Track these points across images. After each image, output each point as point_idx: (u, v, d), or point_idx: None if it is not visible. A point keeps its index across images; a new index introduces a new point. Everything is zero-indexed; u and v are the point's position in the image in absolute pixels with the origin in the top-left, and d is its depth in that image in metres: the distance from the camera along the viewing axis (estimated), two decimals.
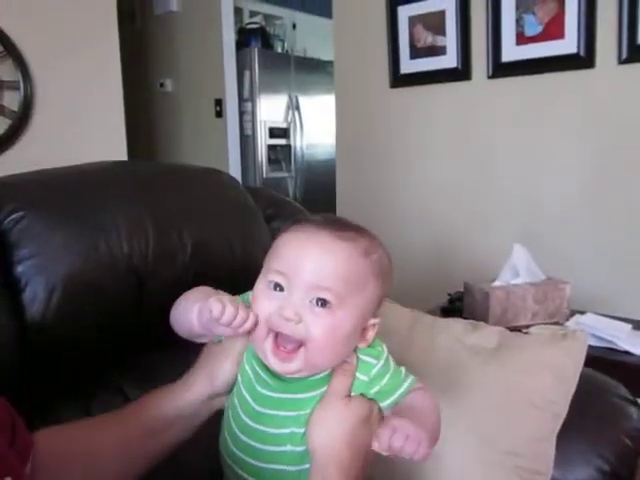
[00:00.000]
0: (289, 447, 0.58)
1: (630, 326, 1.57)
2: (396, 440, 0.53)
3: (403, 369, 0.62)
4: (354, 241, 0.57)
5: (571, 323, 1.59)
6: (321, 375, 0.59)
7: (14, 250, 0.73)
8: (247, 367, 0.62)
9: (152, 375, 0.81)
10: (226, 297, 0.57)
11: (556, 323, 1.55)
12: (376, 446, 0.55)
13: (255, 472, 0.60)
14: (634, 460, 0.91)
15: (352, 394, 0.59)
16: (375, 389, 0.60)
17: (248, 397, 0.61)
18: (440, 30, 2.27)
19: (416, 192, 2.45)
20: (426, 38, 2.32)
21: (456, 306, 1.78)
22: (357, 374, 0.60)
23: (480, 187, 2.27)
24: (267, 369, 0.59)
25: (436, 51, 2.30)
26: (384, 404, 0.61)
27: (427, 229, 2.40)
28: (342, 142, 2.71)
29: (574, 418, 0.85)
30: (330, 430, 0.56)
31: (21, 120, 2.11)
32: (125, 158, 2.37)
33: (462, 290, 1.76)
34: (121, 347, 0.83)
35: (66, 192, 0.82)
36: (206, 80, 3.50)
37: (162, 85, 3.65)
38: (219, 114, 3.51)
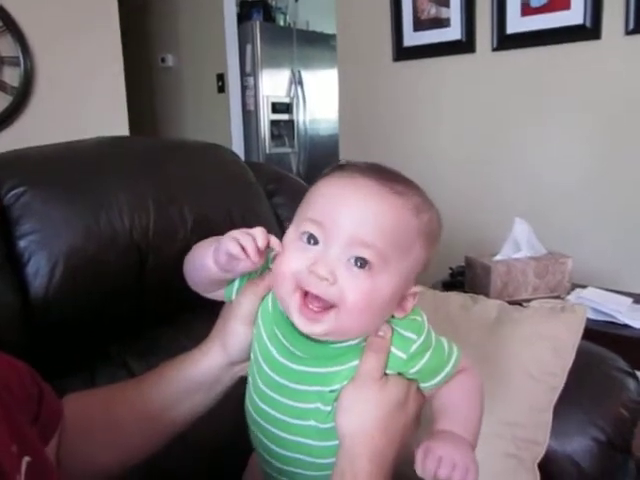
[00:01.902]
0: (313, 422, 0.54)
1: (630, 300, 1.58)
2: (442, 471, 0.48)
3: (446, 343, 0.55)
4: (405, 195, 0.51)
5: (572, 297, 1.60)
6: (350, 343, 0.53)
7: (16, 225, 0.74)
8: (264, 332, 0.56)
9: (155, 349, 0.83)
10: (237, 231, 0.52)
11: (557, 297, 1.56)
12: (419, 471, 0.49)
13: (278, 441, 0.56)
14: (630, 430, 0.92)
15: (388, 373, 0.53)
16: (415, 369, 0.53)
17: (266, 367, 0.55)
18: (444, 1, 2.23)
19: (418, 166, 2.43)
20: (430, 9, 2.28)
21: (457, 280, 1.79)
22: (393, 349, 0.52)
23: (482, 161, 2.26)
24: (289, 332, 0.53)
25: (440, 23, 2.26)
26: (425, 385, 0.55)
27: None
28: (345, 117, 2.69)
29: (572, 389, 0.86)
30: (362, 417, 0.51)
31: (22, 96, 2.10)
32: (127, 134, 2.36)
33: (464, 264, 1.77)
34: (124, 321, 0.84)
35: (67, 167, 0.82)
36: (208, 55, 3.47)
37: (163, 60, 3.61)
38: (221, 89, 3.48)
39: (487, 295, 1.48)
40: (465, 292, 1.17)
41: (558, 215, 2.06)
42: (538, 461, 0.83)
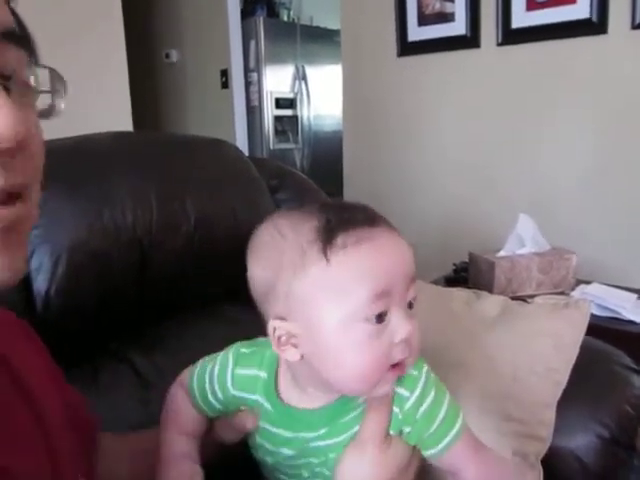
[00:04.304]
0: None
1: (635, 296, 1.57)
2: None
3: (446, 403, 0.52)
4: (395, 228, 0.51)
5: (576, 293, 1.59)
6: (355, 413, 0.52)
7: None
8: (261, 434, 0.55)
9: (157, 344, 0.83)
10: None
11: (561, 293, 1.56)
12: None
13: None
14: (634, 427, 0.92)
15: (391, 433, 0.51)
16: (408, 430, 0.51)
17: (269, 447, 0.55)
18: None
19: (422, 162, 2.43)
20: (434, 4, 2.27)
21: (461, 276, 1.79)
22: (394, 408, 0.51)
23: (487, 157, 2.25)
24: (290, 421, 0.53)
25: (445, 18, 2.25)
26: (429, 452, 0.52)
27: (433, 199, 2.39)
28: (349, 112, 2.68)
29: (576, 385, 0.85)
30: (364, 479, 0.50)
31: None
32: (130, 129, 2.36)
33: (467, 260, 1.76)
34: (126, 316, 0.84)
35: (70, 162, 0.82)
36: (212, 50, 3.46)
37: (167, 56, 3.61)
38: (225, 85, 3.47)
39: (491, 291, 1.48)
40: (469, 288, 1.16)
41: (563, 211, 2.05)
42: (541, 457, 0.83)
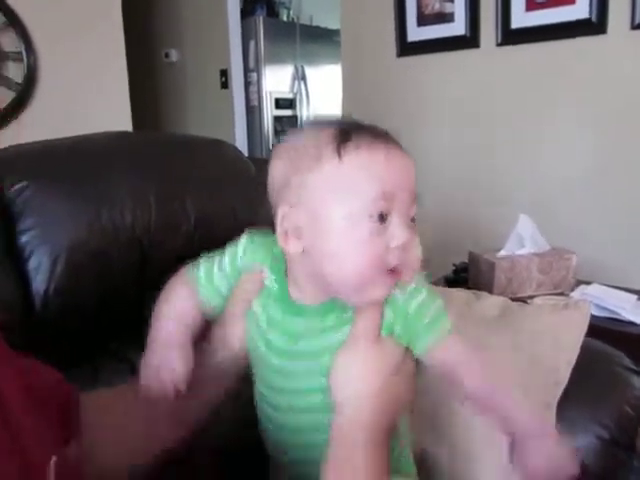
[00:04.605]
0: (320, 397, 0.53)
1: (635, 297, 1.57)
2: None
3: (437, 303, 0.53)
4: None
5: (576, 293, 1.59)
6: (340, 313, 0.53)
7: (18, 220, 0.74)
8: (261, 316, 0.57)
9: None
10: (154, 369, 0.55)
11: (561, 293, 1.56)
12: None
13: (290, 425, 0.57)
14: (634, 428, 0.92)
15: (382, 334, 0.52)
16: (398, 328, 0.52)
17: (266, 353, 0.56)
18: None
19: (422, 162, 2.42)
20: (434, 4, 2.27)
21: (461, 277, 1.78)
22: (385, 309, 0.52)
23: (486, 157, 2.25)
24: (287, 311, 0.55)
25: (444, 18, 2.25)
26: (418, 348, 0.52)
27: (433, 199, 2.38)
28: (349, 113, 2.68)
29: (576, 386, 0.86)
30: (357, 381, 0.50)
31: (25, 92, 2.10)
32: (130, 129, 2.36)
33: (467, 260, 1.76)
34: (125, 316, 0.83)
35: (69, 162, 0.82)
36: (211, 50, 3.46)
37: (167, 55, 3.60)
38: (224, 85, 3.47)
39: (491, 291, 1.48)
40: (469, 288, 1.16)
41: (563, 211, 2.05)
42: None
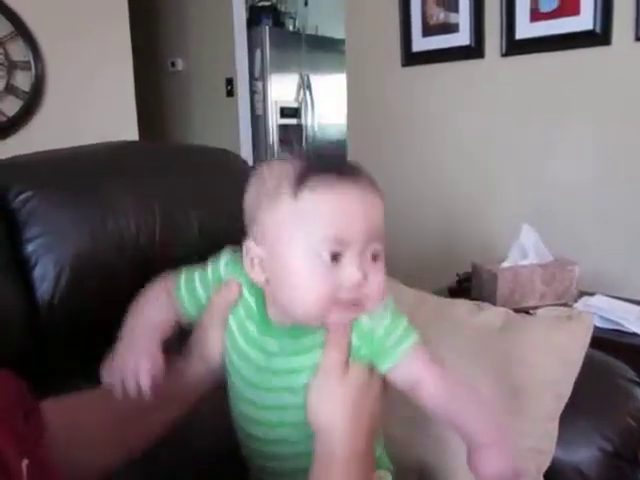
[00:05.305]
0: (293, 412, 0.56)
1: (639, 308, 1.56)
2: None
3: (403, 325, 0.55)
4: (378, 189, 0.55)
5: (579, 304, 1.58)
6: (312, 336, 0.56)
7: (23, 229, 0.74)
8: (236, 331, 0.59)
9: None
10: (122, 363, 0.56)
11: (564, 304, 1.55)
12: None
13: (263, 430, 0.59)
14: (638, 441, 0.91)
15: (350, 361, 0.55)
16: (364, 351, 0.55)
17: (241, 367, 0.59)
18: (453, 6, 2.23)
19: (426, 172, 2.43)
20: (438, 15, 2.28)
21: (464, 287, 1.78)
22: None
23: (490, 167, 2.25)
24: (262, 329, 0.57)
25: (449, 28, 2.26)
26: (383, 366, 0.55)
27: (438, 209, 2.39)
28: (353, 122, 2.69)
29: (579, 399, 0.85)
30: (330, 411, 0.54)
31: (33, 100, 2.12)
32: (136, 138, 2.38)
33: (470, 271, 1.76)
34: None
35: (75, 172, 0.83)
36: (217, 59, 3.48)
37: (173, 64, 3.63)
38: (230, 93, 3.49)
39: (494, 302, 1.48)
40: (472, 299, 1.16)
41: (566, 221, 2.05)
42: (543, 471, 0.83)
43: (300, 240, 0.51)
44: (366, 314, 0.55)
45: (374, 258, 0.53)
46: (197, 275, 0.62)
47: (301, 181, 0.52)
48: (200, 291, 0.61)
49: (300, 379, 0.56)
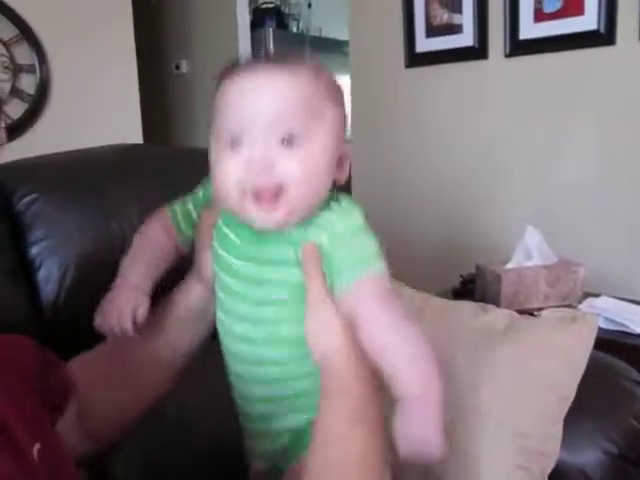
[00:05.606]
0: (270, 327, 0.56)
1: None
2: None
3: (371, 247, 0.53)
4: (299, 67, 0.54)
5: (584, 306, 1.58)
6: (277, 248, 0.55)
7: (28, 232, 0.75)
8: (217, 244, 0.59)
9: None
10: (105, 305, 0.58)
11: (569, 306, 1.54)
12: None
13: (252, 353, 0.58)
14: None
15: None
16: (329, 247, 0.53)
17: (226, 277, 0.58)
18: (456, 7, 2.23)
19: (430, 173, 2.43)
20: (442, 16, 2.28)
21: (468, 288, 1.78)
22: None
23: (494, 168, 2.25)
24: (242, 234, 0.56)
25: (452, 29, 2.26)
26: (338, 285, 0.53)
27: (441, 210, 2.39)
28: (357, 123, 2.69)
29: (583, 400, 0.85)
30: (327, 337, 0.54)
31: (38, 103, 2.13)
32: (140, 140, 2.39)
33: (474, 272, 1.76)
34: None
35: (79, 175, 0.83)
36: (221, 61, 3.42)
37: (177, 67, 3.64)
38: None
39: (498, 303, 1.47)
40: (476, 300, 1.16)
41: (570, 222, 2.04)
42: (548, 473, 0.82)
43: (213, 125, 0.54)
44: (324, 206, 0.54)
45: (285, 142, 0.51)
46: (189, 199, 0.64)
47: (230, 70, 0.54)
48: (194, 214, 0.63)
49: (278, 293, 0.55)
